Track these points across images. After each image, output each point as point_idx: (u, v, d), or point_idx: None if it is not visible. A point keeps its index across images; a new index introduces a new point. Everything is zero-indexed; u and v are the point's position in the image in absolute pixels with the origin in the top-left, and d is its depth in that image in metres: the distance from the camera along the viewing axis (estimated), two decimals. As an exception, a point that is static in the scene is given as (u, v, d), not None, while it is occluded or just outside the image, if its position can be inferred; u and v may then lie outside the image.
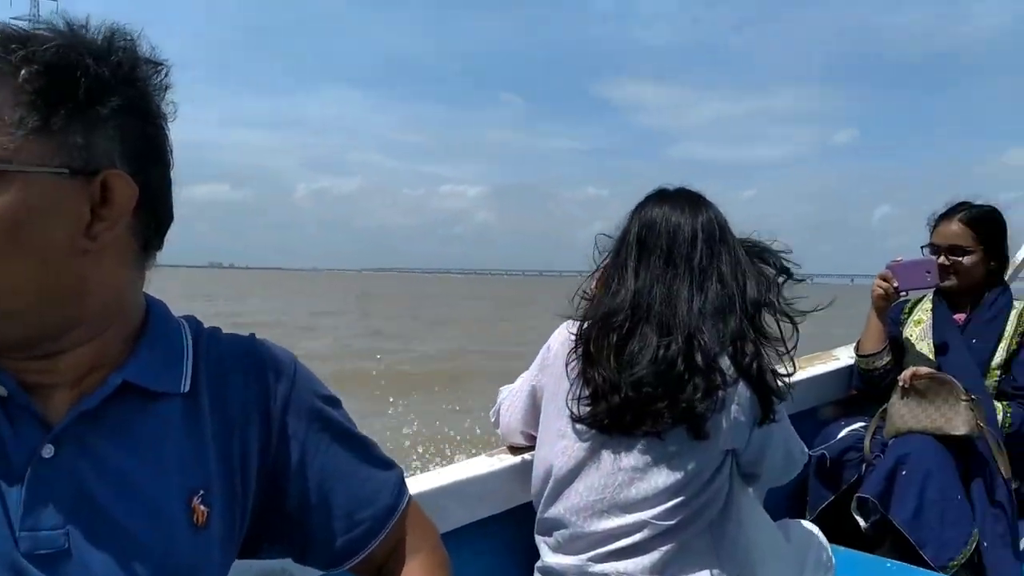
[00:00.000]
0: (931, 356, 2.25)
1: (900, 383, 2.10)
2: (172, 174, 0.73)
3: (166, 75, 0.71)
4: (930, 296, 2.39)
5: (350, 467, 0.84)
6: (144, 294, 0.77)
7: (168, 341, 0.76)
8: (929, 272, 2.22)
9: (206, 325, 0.82)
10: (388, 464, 0.89)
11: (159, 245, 0.74)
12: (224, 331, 0.83)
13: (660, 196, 1.45)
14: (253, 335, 0.84)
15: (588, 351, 1.37)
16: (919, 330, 2.35)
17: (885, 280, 2.26)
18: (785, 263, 1.44)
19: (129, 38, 0.68)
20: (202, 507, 0.72)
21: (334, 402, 0.86)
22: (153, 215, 0.71)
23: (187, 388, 0.74)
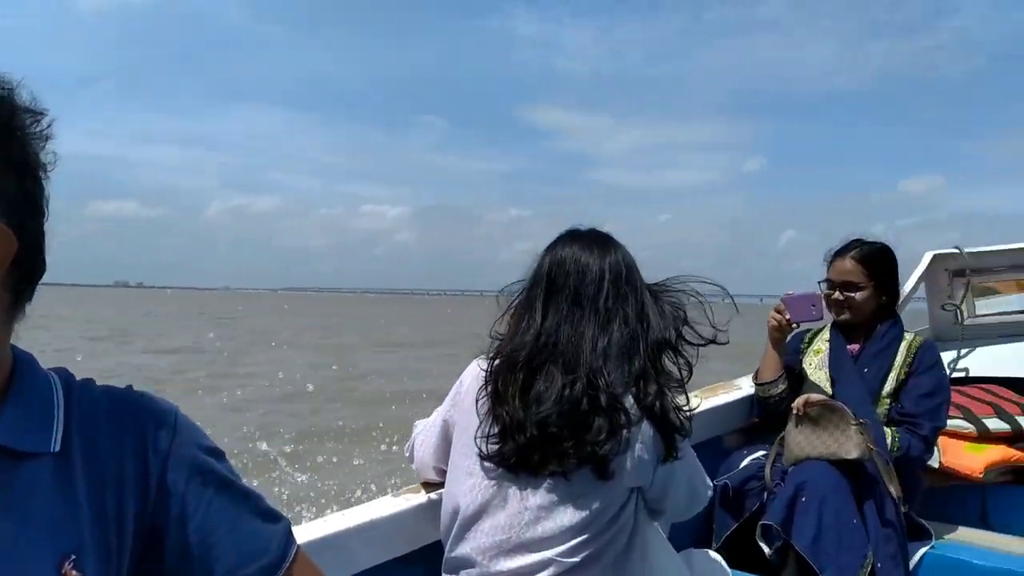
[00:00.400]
0: (827, 385, 2.36)
1: (794, 411, 2.19)
2: (47, 225, 0.70)
3: (48, 125, 0.68)
4: (829, 327, 2.50)
5: (234, 521, 0.81)
6: (12, 346, 0.72)
7: (37, 397, 0.71)
8: (815, 306, 2.33)
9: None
10: (275, 516, 0.86)
11: (30, 297, 0.71)
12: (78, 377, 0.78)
13: (571, 236, 1.47)
14: (130, 386, 0.81)
15: (496, 388, 1.37)
16: (817, 360, 2.46)
17: (779, 312, 2.36)
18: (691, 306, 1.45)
19: (7, 87, 0.65)
20: (74, 572, 0.68)
21: (217, 454, 0.83)
22: (27, 268, 0.68)
23: (58, 447, 0.70)
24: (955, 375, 3.20)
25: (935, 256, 3.36)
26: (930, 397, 2.26)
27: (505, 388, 1.35)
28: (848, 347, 2.42)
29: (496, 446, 1.34)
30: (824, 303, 2.36)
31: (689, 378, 1.40)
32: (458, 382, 1.52)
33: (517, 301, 1.46)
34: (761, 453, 2.35)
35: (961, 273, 3.36)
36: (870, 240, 2.42)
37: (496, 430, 1.35)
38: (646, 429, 1.33)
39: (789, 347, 2.54)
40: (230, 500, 0.81)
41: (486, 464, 1.36)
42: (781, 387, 2.42)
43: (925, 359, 2.32)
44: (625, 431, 1.29)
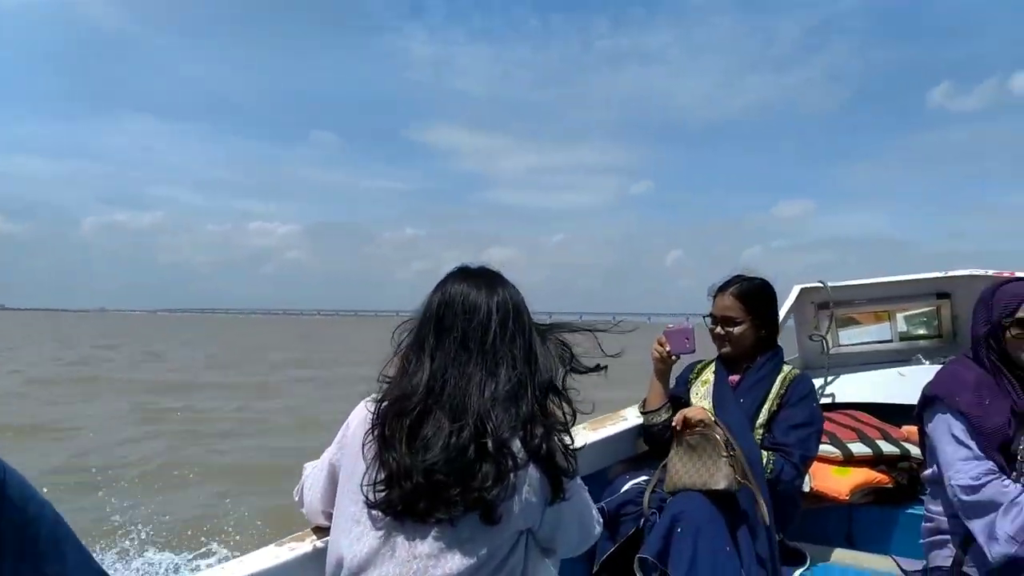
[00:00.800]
0: (711, 414, 2.45)
1: (674, 424, 2.28)
2: None
3: None
4: (716, 359, 2.61)
5: None
6: None
7: None
8: (688, 339, 2.46)
9: None
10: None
11: None
12: None
13: (460, 274, 1.48)
14: None
15: (383, 433, 1.36)
16: (704, 390, 2.56)
17: (660, 344, 2.47)
18: (574, 348, 1.49)
19: None
20: None
21: (47, 508, 0.80)
22: None
23: None
24: (822, 401, 3.41)
25: (802, 290, 3.58)
26: (799, 428, 2.36)
27: (392, 433, 1.34)
28: (730, 378, 2.52)
29: (383, 493, 1.33)
30: (695, 336, 2.47)
31: (574, 421, 1.43)
32: (345, 424, 1.50)
33: (406, 341, 1.46)
34: (643, 478, 2.41)
35: (825, 305, 3.59)
36: (750, 276, 2.54)
37: (383, 476, 1.33)
38: (532, 472, 1.35)
39: (680, 378, 2.64)
40: (60, 559, 0.80)
41: (373, 512, 1.34)
42: (664, 416, 2.51)
43: (797, 391, 2.43)
44: (512, 475, 1.31)
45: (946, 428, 1.98)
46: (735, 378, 2.52)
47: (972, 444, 1.93)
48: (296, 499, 1.64)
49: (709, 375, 2.59)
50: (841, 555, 2.55)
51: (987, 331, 2.01)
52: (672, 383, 2.64)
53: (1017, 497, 1.84)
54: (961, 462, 1.93)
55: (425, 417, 1.33)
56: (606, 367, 1.50)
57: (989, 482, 1.88)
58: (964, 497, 1.91)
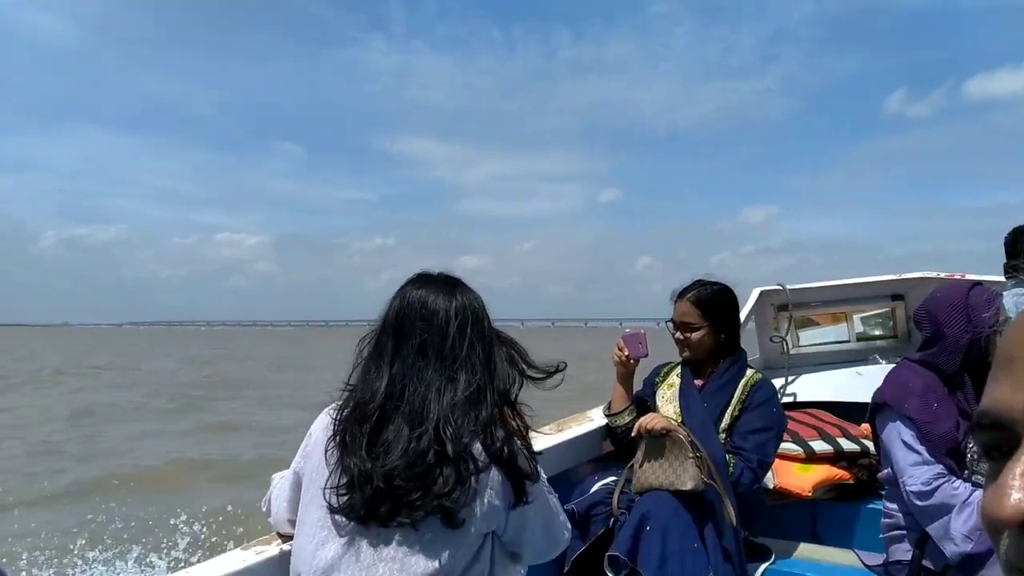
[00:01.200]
0: (677, 417, 2.49)
1: (636, 428, 2.31)
2: None
3: None
4: (681, 363, 2.64)
5: None
6: None
7: None
8: (641, 343, 2.50)
9: None
10: None
11: None
12: None
13: (421, 280, 1.49)
14: None
15: (344, 439, 1.37)
16: (669, 393, 2.58)
17: (620, 349, 2.50)
18: (530, 363, 1.49)
19: None
20: None
21: None
22: None
23: None
24: (784, 400, 3.46)
25: (762, 292, 3.64)
26: (757, 433, 2.38)
27: (352, 439, 1.35)
28: (695, 382, 2.54)
29: (345, 497, 1.33)
30: (647, 340, 2.51)
31: (527, 431, 1.45)
32: (308, 433, 1.51)
33: (367, 348, 1.47)
34: (611, 479, 2.44)
35: (784, 307, 3.66)
36: (711, 281, 2.55)
37: (344, 481, 1.34)
38: (495, 475, 1.36)
39: (646, 380, 2.67)
40: None
41: (336, 517, 1.35)
42: (627, 418, 2.53)
43: (756, 397, 2.44)
44: (473, 479, 1.32)
45: (896, 434, 2.02)
46: (699, 382, 2.54)
47: (922, 449, 1.96)
48: (264, 509, 1.64)
49: (675, 379, 2.61)
50: (805, 550, 2.60)
51: (971, 337, 1.97)
52: (640, 385, 2.67)
53: (968, 498, 1.87)
54: (912, 467, 1.97)
55: (385, 423, 1.34)
56: (562, 368, 1.51)
57: (940, 486, 1.91)
58: (918, 502, 1.94)
